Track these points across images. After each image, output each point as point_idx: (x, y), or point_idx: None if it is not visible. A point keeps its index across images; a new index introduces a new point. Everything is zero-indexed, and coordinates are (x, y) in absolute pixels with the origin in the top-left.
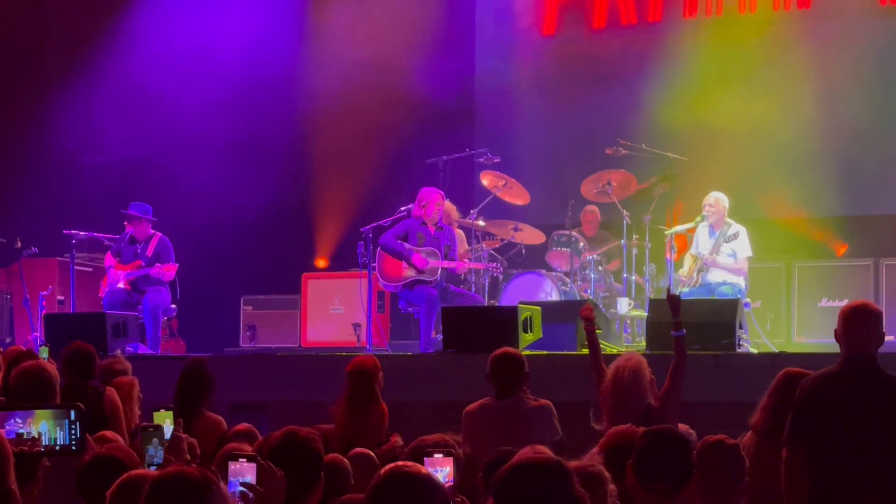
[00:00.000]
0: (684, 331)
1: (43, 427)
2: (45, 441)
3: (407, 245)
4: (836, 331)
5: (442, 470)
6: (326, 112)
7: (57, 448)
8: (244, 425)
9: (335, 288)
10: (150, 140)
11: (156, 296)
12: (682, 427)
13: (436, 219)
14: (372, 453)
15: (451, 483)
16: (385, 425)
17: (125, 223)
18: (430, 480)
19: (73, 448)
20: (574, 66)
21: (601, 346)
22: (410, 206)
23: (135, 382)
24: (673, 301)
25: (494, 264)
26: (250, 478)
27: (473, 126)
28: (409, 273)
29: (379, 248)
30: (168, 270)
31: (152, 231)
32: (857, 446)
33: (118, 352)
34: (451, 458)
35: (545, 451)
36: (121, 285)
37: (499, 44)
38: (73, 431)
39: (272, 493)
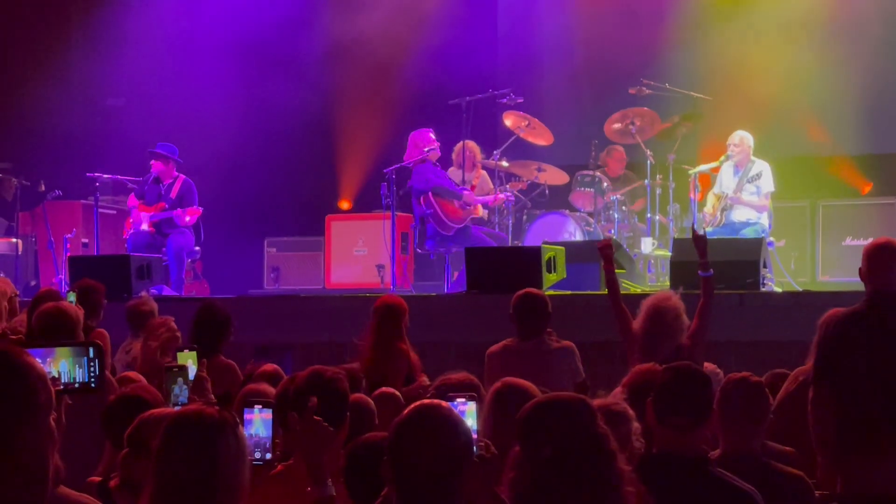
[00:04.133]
0: (711, 271)
1: (63, 366)
2: (64, 379)
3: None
4: (860, 269)
5: (465, 412)
6: (349, 53)
7: (76, 386)
8: (270, 366)
9: (359, 229)
10: (173, 82)
11: (180, 238)
12: (710, 366)
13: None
14: (398, 393)
15: (476, 428)
16: (411, 365)
17: (152, 162)
18: (453, 419)
19: (93, 385)
20: (597, 5)
21: (624, 285)
22: (433, 146)
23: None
24: (699, 241)
25: (505, 195)
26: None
27: (496, 66)
28: (466, 213)
29: (430, 194)
30: (191, 215)
31: (177, 173)
32: (883, 384)
33: (143, 293)
34: (474, 403)
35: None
36: (145, 227)
37: None
38: (92, 369)
39: (315, 442)
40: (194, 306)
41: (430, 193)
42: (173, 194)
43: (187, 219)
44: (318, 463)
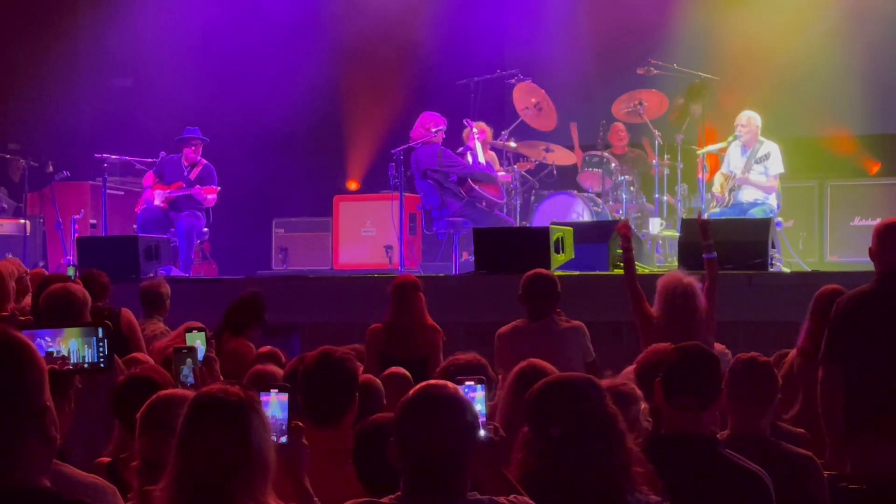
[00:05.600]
0: (715, 253)
1: (72, 346)
2: (73, 359)
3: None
4: (870, 248)
5: (475, 397)
6: (358, 34)
7: (86, 366)
8: (267, 347)
9: (367, 210)
10: (180, 62)
11: (191, 218)
12: (718, 346)
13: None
14: (407, 373)
15: (484, 412)
16: (441, 344)
17: (184, 149)
18: (459, 399)
19: (102, 365)
20: None
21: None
22: (441, 127)
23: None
24: (703, 225)
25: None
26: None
27: (504, 47)
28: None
29: (469, 182)
30: (209, 192)
31: (199, 157)
32: (893, 363)
33: (152, 274)
34: (483, 387)
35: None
36: (158, 202)
37: None
38: (101, 349)
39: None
40: (203, 287)
41: (469, 181)
42: (193, 176)
43: (210, 197)
44: (303, 484)
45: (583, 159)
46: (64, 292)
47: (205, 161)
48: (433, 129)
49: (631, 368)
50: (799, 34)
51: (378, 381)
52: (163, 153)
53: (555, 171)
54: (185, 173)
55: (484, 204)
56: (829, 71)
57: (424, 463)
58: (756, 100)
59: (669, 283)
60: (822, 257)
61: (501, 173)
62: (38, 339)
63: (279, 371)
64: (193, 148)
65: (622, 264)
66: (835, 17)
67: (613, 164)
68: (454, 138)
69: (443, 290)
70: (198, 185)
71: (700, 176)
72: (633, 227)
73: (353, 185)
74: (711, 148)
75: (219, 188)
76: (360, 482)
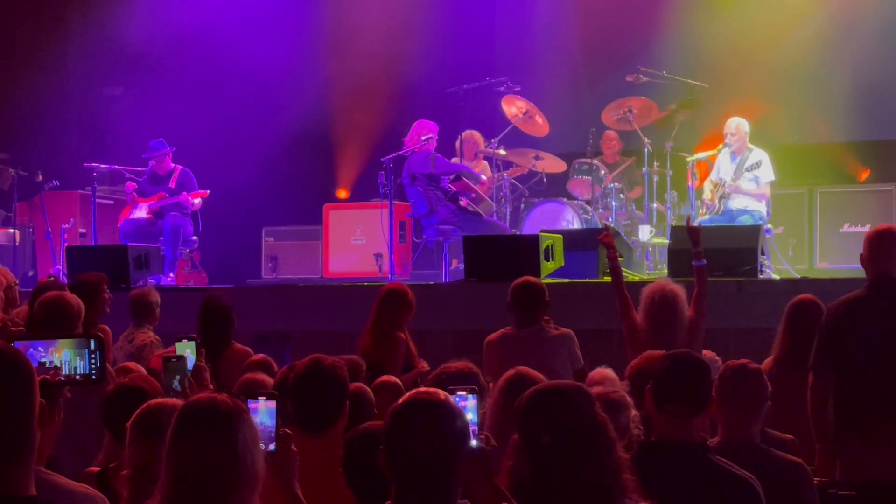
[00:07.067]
0: (705, 261)
1: (65, 356)
2: (65, 370)
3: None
4: (861, 255)
5: (467, 406)
6: (347, 42)
7: (77, 377)
8: (259, 355)
9: (356, 218)
10: (169, 72)
11: (178, 217)
12: (708, 353)
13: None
14: (399, 381)
15: (476, 422)
16: (409, 353)
17: (150, 162)
18: (449, 406)
19: (94, 377)
20: None
21: (622, 273)
22: (431, 135)
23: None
24: (693, 232)
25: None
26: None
27: (493, 54)
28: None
29: (454, 178)
30: (196, 197)
31: (173, 165)
32: (883, 369)
33: (143, 283)
34: (475, 396)
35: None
36: (141, 214)
37: None
38: (93, 360)
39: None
40: (193, 296)
41: (454, 177)
42: (172, 184)
43: (197, 201)
44: (293, 491)
45: (572, 167)
46: (59, 300)
47: (179, 167)
48: (423, 137)
49: (608, 371)
50: (787, 41)
51: (369, 389)
52: (152, 162)
53: (544, 179)
54: (164, 184)
55: (473, 196)
56: (817, 77)
57: (414, 470)
58: (745, 106)
59: (651, 292)
60: (811, 264)
61: (484, 178)
62: (31, 350)
63: (269, 380)
64: (156, 160)
65: (610, 271)
66: (823, 24)
67: (603, 172)
68: (446, 146)
69: (432, 298)
70: (184, 193)
71: (690, 183)
72: (622, 234)
73: (342, 194)
74: (701, 155)
75: (207, 192)
76: (350, 490)
